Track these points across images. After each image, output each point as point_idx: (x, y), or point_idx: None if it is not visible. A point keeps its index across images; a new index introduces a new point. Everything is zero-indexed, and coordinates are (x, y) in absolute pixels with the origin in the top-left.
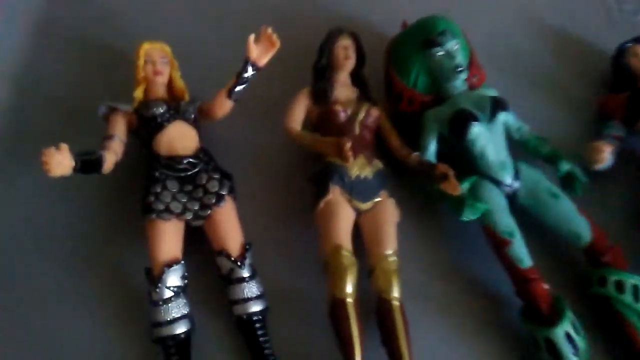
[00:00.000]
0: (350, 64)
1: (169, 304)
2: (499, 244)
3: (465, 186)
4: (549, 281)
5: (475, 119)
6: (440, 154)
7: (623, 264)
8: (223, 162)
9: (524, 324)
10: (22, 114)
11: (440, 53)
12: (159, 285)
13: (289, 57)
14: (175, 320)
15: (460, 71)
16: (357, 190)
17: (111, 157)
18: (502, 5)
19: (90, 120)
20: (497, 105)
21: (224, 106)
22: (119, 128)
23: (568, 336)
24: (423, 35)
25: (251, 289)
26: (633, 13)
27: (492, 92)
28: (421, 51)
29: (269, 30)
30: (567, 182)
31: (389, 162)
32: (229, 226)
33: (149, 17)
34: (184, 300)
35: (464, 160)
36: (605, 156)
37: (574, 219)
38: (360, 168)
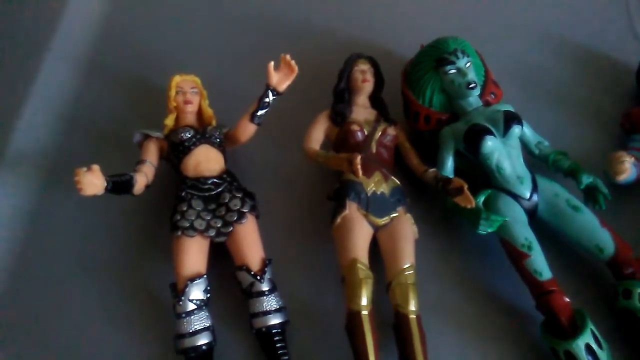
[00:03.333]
0: (367, 86)
1: (192, 317)
2: (518, 257)
3: (480, 199)
4: (572, 295)
5: (489, 133)
6: (459, 171)
7: None
8: (247, 183)
9: (544, 337)
10: (70, 145)
11: (453, 71)
12: (182, 298)
13: (312, 82)
14: (197, 332)
15: (472, 87)
16: (373, 206)
17: (142, 179)
18: (521, 23)
19: (129, 148)
20: (510, 118)
21: (247, 130)
22: (150, 153)
23: (589, 348)
24: (436, 55)
25: (270, 302)
26: None
27: (507, 107)
28: (434, 70)
29: (288, 57)
30: (590, 196)
31: (410, 180)
32: (250, 242)
33: (182, 51)
34: (207, 314)
35: (481, 175)
36: (627, 166)
37: (597, 232)
38: (377, 184)
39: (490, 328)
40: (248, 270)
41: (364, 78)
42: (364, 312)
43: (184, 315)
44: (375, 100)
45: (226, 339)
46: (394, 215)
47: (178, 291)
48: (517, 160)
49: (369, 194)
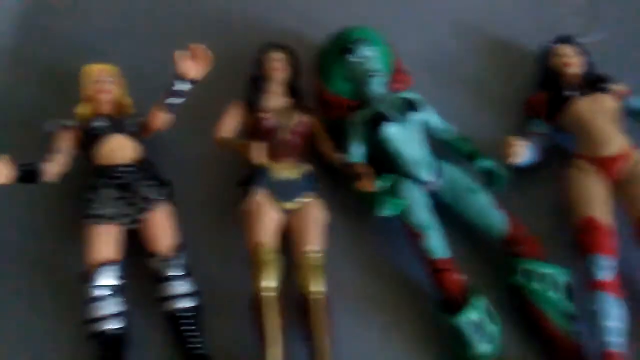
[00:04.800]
0: (280, 75)
1: (103, 302)
2: (414, 237)
3: (381, 184)
4: (474, 274)
5: (389, 120)
6: (370, 157)
7: (538, 254)
8: (166, 171)
9: (436, 314)
10: None
11: (355, 59)
12: (92, 284)
13: (231, 71)
14: (109, 317)
15: (373, 76)
16: (280, 191)
17: (52, 168)
18: (432, 11)
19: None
20: (409, 105)
21: (160, 118)
22: (64, 142)
23: (477, 323)
24: (341, 44)
25: (180, 286)
26: (562, 18)
27: (411, 95)
28: (340, 58)
29: (202, 46)
30: (488, 179)
31: (325, 166)
32: (161, 229)
33: (105, 41)
34: (118, 299)
35: (388, 161)
36: (517, 150)
37: (491, 213)
38: (286, 170)
39: (394, 308)
40: (158, 256)
41: (277, 67)
42: (268, 294)
43: (94, 300)
44: (292, 88)
45: (142, 324)
46: (303, 200)
47: (88, 277)
48: (418, 145)
49: (277, 180)
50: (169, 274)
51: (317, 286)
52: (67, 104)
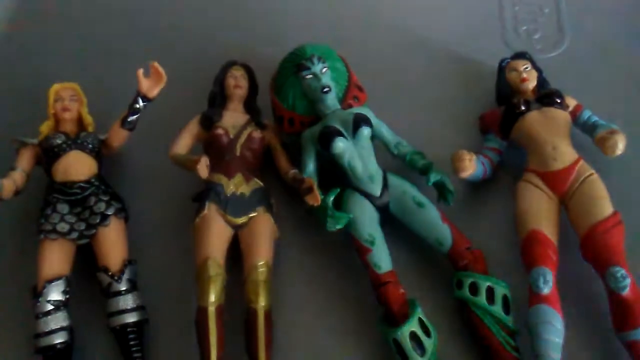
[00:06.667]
0: (239, 92)
1: (48, 317)
2: (361, 251)
3: (329, 198)
4: (417, 288)
5: (339, 135)
6: (324, 171)
7: (482, 268)
8: (122, 188)
9: (378, 327)
10: None
11: (309, 76)
12: (40, 299)
13: (190, 87)
14: (53, 332)
15: (326, 92)
16: (231, 206)
17: (9, 185)
18: (390, 28)
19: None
20: (359, 120)
21: (119, 135)
22: (24, 160)
23: (414, 336)
24: (295, 61)
25: (127, 302)
26: (528, 34)
27: (360, 110)
28: (294, 75)
29: (156, 64)
30: (440, 193)
31: (281, 181)
32: (111, 244)
33: (67, 58)
34: (65, 314)
35: (338, 175)
36: (465, 164)
37: (437, 226)
38: (237, 186)
39: (340, 321)
40: (106, 271)
41: (236, 84)
42: (211, 308)
43: (41, 315)
44: (250, 105)
45: (88, 339)
46: (253, 215)
47: (36, 292)
48: (368, 160)
49: (228, 195)
50: (117, 289)
51: (262, 301)
52: (35, 123)
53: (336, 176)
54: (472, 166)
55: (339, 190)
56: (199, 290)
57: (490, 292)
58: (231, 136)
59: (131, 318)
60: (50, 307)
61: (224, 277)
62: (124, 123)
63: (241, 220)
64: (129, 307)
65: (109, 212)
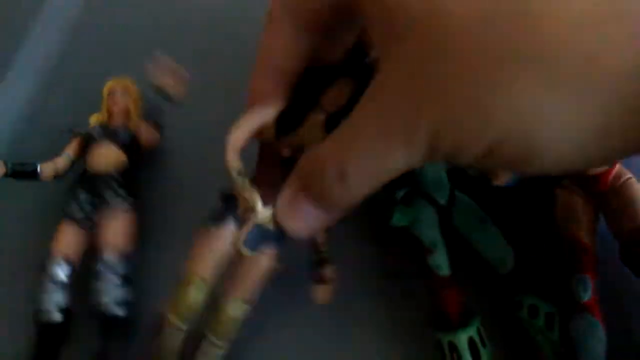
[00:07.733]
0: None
1: (51, 294)
2: (424, 252)
3: (398, 193)
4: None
5: None
6: None
7: (540, 290)
8: (149, 186)
9: (433, 331)
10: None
11: None
12: (46, 274)
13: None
14: (52, 309)
15: None
16: (251, 238)
17: (49, 169)
18: None
19: None
20: None
21: (148, 135)
22: (71, 147)
23: (471, 343)
24: None
25: (113, 293)
26: None
27: None
28: None
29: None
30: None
31: None
32: (113, 233)
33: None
34: (67, 295)
35: (406, 177)
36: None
37: (502, 246)
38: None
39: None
40: (104, 257)
41: None
42: (179, 324)
43: (43, 290)
44: None
45: (83, 324)
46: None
47: (45, 268)
48: (438, 167)
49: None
50: (107, 276)
51: (222, 338)
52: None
53: (404, 177)
54: (507, 173)
55: (409, 189)
56: (175, 301)
57: (550, 317)
58: None
59: (115, 310)
60: (55, 284)
61: (204, 300)
62: (153, 123)
63: (251, 253)
64: (114, 299)
65: (120, 205)
